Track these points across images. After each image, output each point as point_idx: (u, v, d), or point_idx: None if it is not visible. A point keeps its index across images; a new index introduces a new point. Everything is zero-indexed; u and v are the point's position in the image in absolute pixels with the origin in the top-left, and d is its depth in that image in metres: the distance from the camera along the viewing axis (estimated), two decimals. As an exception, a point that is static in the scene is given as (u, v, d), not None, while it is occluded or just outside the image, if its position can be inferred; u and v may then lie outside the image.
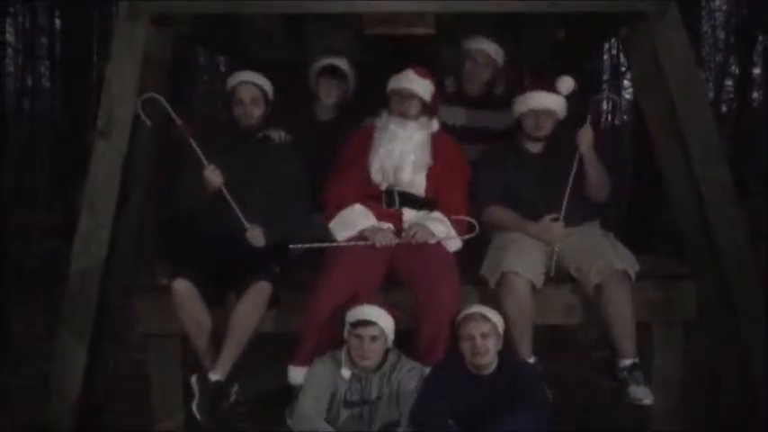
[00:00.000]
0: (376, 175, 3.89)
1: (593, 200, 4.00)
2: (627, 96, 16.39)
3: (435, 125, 4.02)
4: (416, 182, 3.91)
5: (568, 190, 3.81)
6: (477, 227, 3.91)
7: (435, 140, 3.98)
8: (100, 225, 4.05)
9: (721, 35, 17.59)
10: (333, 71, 4.51)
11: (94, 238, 4.05)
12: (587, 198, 3.98)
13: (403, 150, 3.86)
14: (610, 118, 12.03)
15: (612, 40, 13.47)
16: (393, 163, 3.86)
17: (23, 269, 8.00)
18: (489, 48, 4.46)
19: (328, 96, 4.51)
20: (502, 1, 4.04)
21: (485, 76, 4.50)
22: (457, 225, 3.90)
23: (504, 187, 4.02)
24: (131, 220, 4.32)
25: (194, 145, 3.80)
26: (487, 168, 4.08)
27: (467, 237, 3.89)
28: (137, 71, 4.03)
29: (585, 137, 3.85)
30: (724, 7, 17.05)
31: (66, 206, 9.77)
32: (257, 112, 3.97)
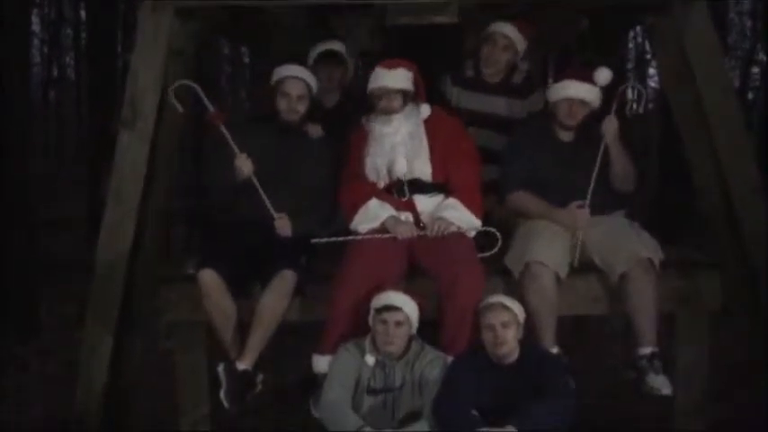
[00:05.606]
0: (371, 175, 3.93)
1: (618, 190, 3.97)
2: (652, 84, 16.26)
3: (425, 111, 3.98)
4: (422, 168, 3.91)
5: (594, 177, 3.78)
6: (500, 240, 3.84)
7: (431, 124, 3.96)
8: (126, 215, 4.08)
9: (748, 22, 17.37)
10: (331, 56, 4.52)
11: (120, 227, 4.08)
12: (613, 188, 3.95)
13: (393, 144, 3.87)
14: (635, 107, 11.92)
15: (638, 27, 13.44)
16: (384, 160, 3.88)
17: (50, 259, 8.08)
18: (510, 31, 4.38)
19: (330, 81, 4.52)
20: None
21: (502, 60, 4.42)
22: (475, 211, 3.88)
23: (531, 172, 3.99)
24: (157, 210, 4.35)
25: (226, 133, 3.83)
26: (516, 152, 4.05)
27: (487, 254, 3.82)
28: (161, 62, 4.05)
29: (611, 127, 3.82)
30: (751, -6, 16.82)
31: (92, 196, 9.85)
32: (302, 108, 3.98)
